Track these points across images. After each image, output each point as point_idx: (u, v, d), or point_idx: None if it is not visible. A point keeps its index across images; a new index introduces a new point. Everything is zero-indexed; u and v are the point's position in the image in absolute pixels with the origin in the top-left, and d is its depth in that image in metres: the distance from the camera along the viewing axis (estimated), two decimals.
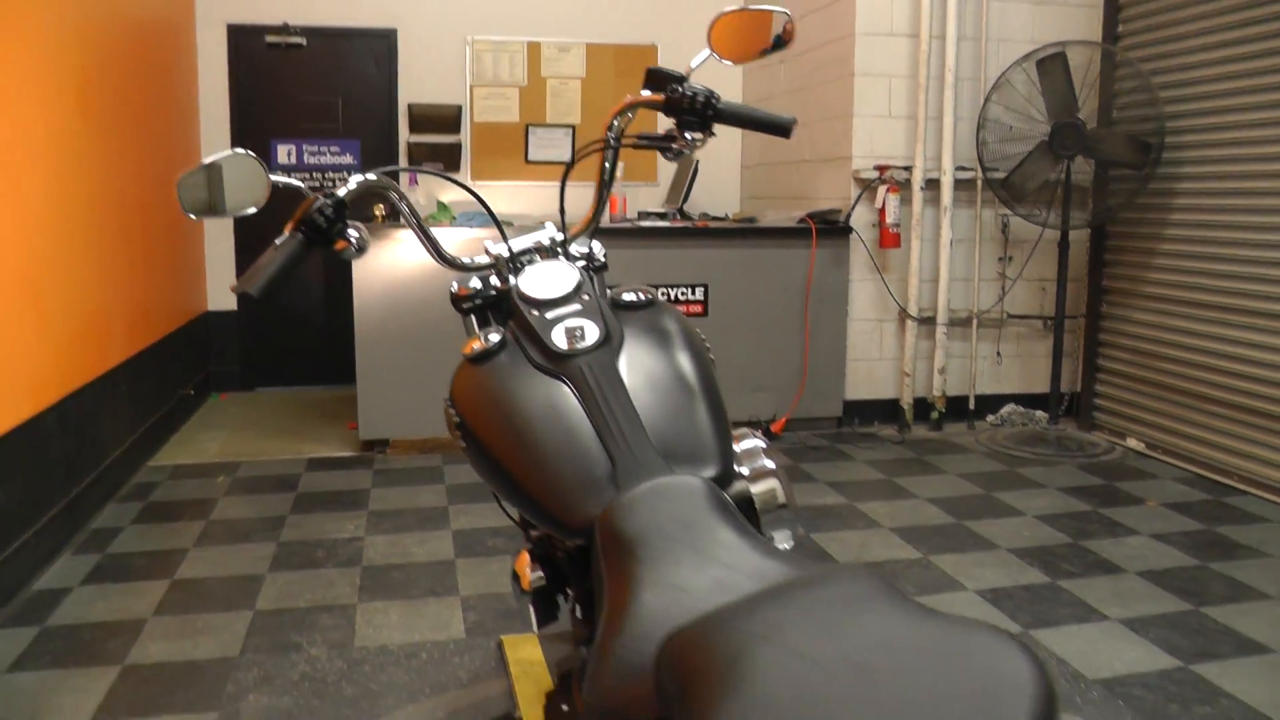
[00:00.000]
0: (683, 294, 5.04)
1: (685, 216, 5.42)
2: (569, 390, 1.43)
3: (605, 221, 5.18)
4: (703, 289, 5.06)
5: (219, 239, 6.26)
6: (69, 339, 3.84)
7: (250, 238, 6.30)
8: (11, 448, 3.24)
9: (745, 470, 1.50)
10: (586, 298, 1.56)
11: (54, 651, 2.86)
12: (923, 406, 5.33)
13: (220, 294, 6.33)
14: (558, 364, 1.47)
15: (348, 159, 6.34)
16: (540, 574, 1.49)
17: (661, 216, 5.38)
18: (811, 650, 0.83)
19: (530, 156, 6.47)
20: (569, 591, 1.51)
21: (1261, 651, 2.85)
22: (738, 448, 1.53)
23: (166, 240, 5.43)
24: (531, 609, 1.50)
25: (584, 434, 1.38)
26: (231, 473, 4.65)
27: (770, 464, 1.52)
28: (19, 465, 3.29)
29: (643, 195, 6.35)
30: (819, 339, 5.18)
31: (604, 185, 1.75)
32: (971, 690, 0.74)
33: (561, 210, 1.74)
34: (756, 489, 1.49)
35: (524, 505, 1.40)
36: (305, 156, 6.29)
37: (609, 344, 1.49)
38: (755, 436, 1.56)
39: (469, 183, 6.30)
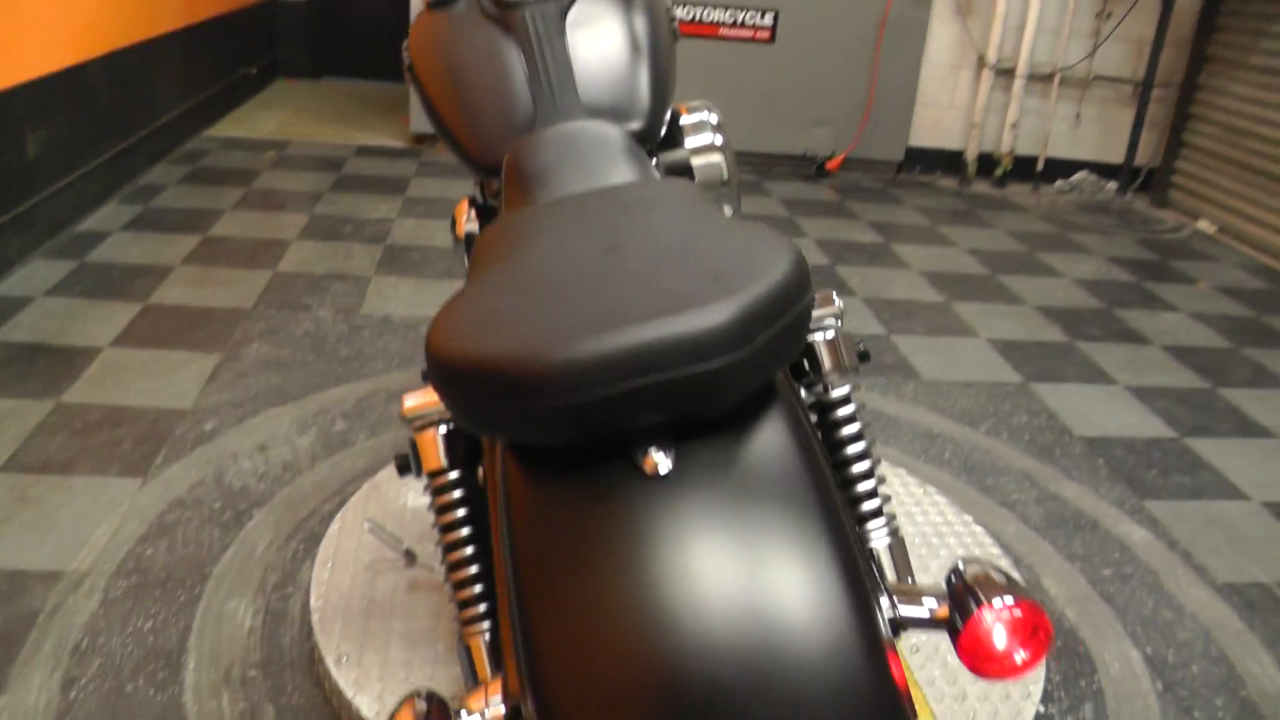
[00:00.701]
0: (750, 19, 4.76)
1: None
2: (511, 39, 1.40)
3: None
4: (772, 15, 4.77)
5: None
6: None
7: None
8: (51, 91, 3.28)
9: (691, 142, 1.48)
10: None
11: (86, 284, 3.02)
12: (988, 163, 5.09)
13: None
14: (506, 13, 1.43)
15: None
16: (475, 223, 1.50)
17: None
18: (578, 239, 0.82)
19: None
20: None
21: (1263, 435, 2.80)
22: (687, 120, 1.50)
23: None
24: (465, 255, 1.52)
25: (513, 78, 1.36)
26: (281, 149, 4.70)
27: (717, 139, 1.50)
28: (61, 109, 3.35)
29: None
30: (888, 79, 4.90)
31: None
32: (713, 271, 0.71)
33: None
34: (698, 161, 1.48)
35: (449, 142, 1.39)
36: None
37: None
38: (709, 112, 1.52)
39: None
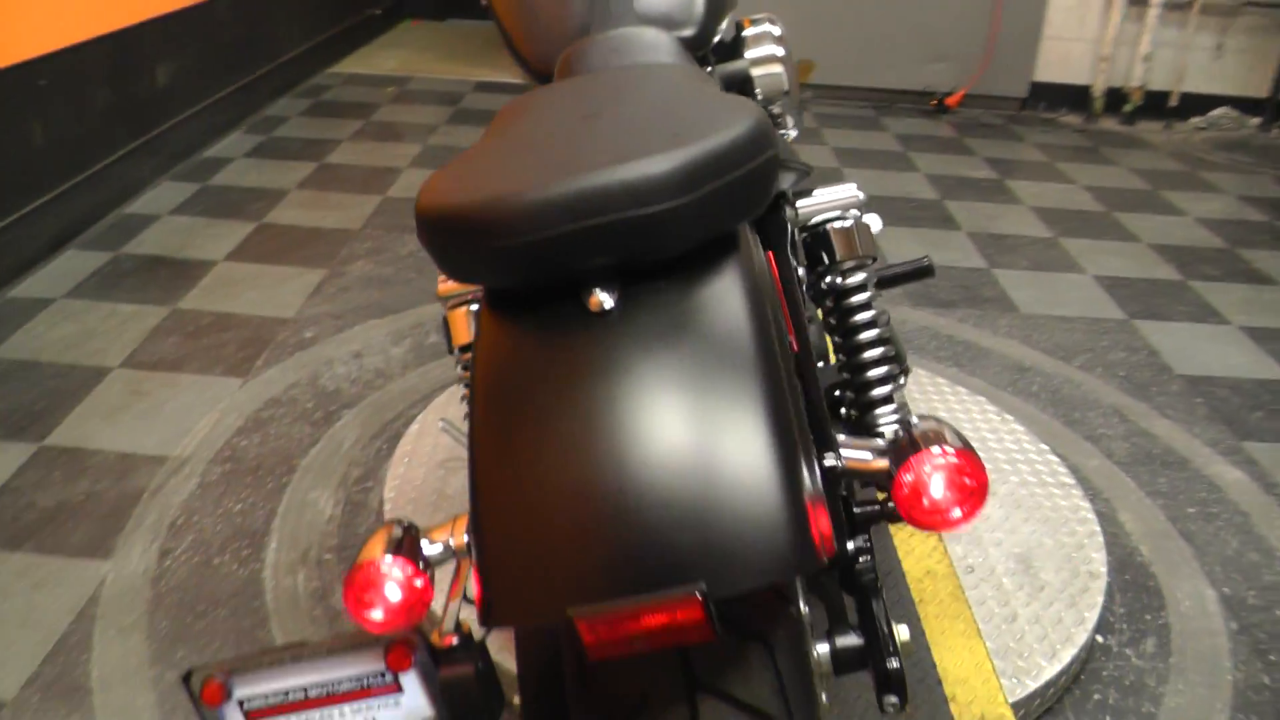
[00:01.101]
0: None
1: None
2: None
3: None
4: None
5: None
6: None
7: None
8: (180, 25, 3.47)
9: (751, 54, 1.49)
10: None
11: (208, 204, 3.21)
12: (1117, 98, 4.85)
13: None
14: None
15: None
16: None
17: None
18: (566, 110, 0.85)
19: None
20: None
21: None
22: (749, 32, 1.51)
23: None
24: None
25: None
26: (402, 85, 4.84)
27: (778, 51, 1.50)
28: (189, 43, 3.54)
29: None
30: (1012, 11, 4.69)
31: None
32: (671, 129, 0.74)
33: None
34: (758, 72, 1.48)
35: (508, 47, 1.43)
36: None
37: None
38: (770, 24, 1.52)
39: None
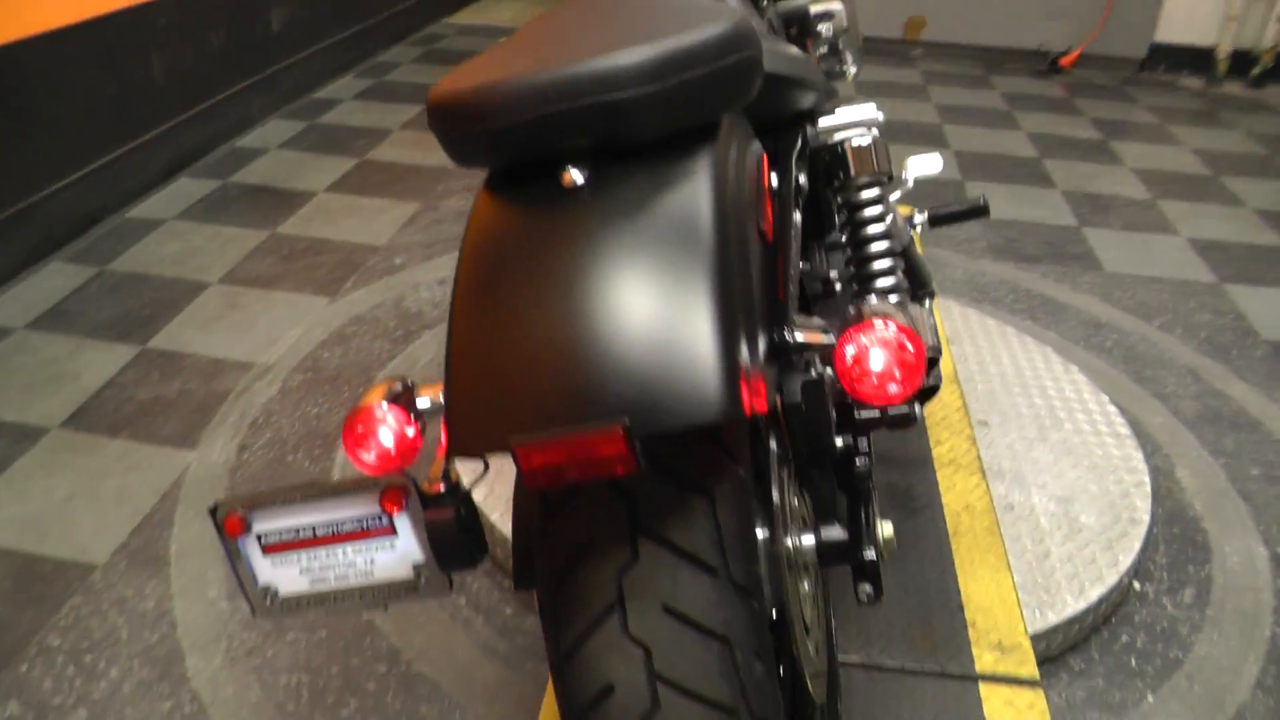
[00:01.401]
0: None
1: None
2: None
3: None
4: None
5: None
6: None
7: None
8: None
9: None
10: None
11: (314, 140, 3.38)
12: (1244, 61, 4.62)
13: None
14: None
15: None
16: None
17: None
18: (573, 18, 0.92)
19: None
20: None
21: None
22: None
23: None
24: None
25: None
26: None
27: None
28: None
29: None
30: None
31: None
32: (651, 31, 0.80)
33: None
34: (816, 9, 1.52)
35: None
36: None
37: None
38: None
39: None
